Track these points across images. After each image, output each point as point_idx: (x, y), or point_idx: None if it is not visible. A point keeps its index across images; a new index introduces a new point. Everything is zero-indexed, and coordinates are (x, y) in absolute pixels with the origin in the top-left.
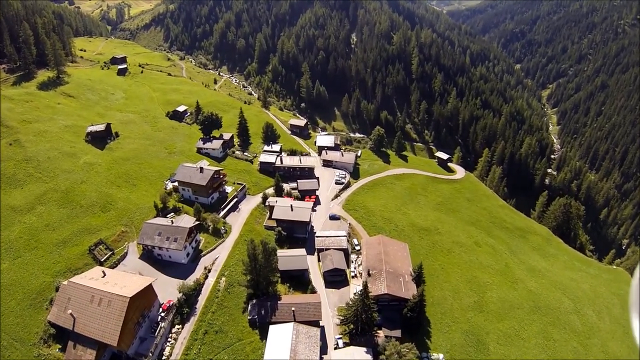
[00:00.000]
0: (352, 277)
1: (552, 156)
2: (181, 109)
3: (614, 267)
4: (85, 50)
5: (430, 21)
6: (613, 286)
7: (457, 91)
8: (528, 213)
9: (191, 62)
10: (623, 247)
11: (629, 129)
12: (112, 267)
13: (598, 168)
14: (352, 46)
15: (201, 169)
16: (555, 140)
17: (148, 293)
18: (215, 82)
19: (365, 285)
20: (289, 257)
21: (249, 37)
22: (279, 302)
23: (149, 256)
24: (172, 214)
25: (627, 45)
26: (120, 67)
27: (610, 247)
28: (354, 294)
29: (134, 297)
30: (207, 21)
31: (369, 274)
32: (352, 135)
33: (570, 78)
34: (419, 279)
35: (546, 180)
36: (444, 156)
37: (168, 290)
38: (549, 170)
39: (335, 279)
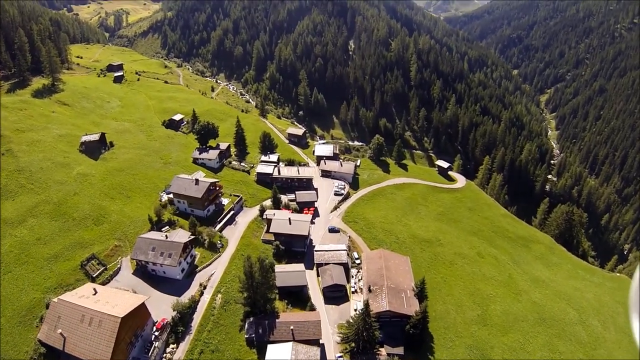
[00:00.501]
0: (353, 292)
1: (552, 162)
2: (177, 117)
3: (617, 274)
4: (81, 57)
5: (428, 28)
6: (617, 294)
7: (456, 98)
8: (529, 220)
9: (188, 69)
10: (625, 253)
11: (628, 133)
12: (105, 283)
13: (598, 173)
14: (350, 53)
15: (197, 180)
16: (554, 146)
17: (141, 312)
18: (213, 89)
19: (366, 304)
20: (287, 273)
21: (247, 45)
22: (277, 320)
23: (143, 272)
24: (167, 227)
25: (624, 49)
26: (116, 74)
27: (612, 253)
28: (355, 310)
29: (125, 316)
30: (204, 28)
31: (369, 290)
32: (350, 143)
33: (568, 83)
34: (421, 294)
35: (547, 187)
36: (445, 165)
37: (162, 307)
38: (549, 177)
39: (335, 294)
